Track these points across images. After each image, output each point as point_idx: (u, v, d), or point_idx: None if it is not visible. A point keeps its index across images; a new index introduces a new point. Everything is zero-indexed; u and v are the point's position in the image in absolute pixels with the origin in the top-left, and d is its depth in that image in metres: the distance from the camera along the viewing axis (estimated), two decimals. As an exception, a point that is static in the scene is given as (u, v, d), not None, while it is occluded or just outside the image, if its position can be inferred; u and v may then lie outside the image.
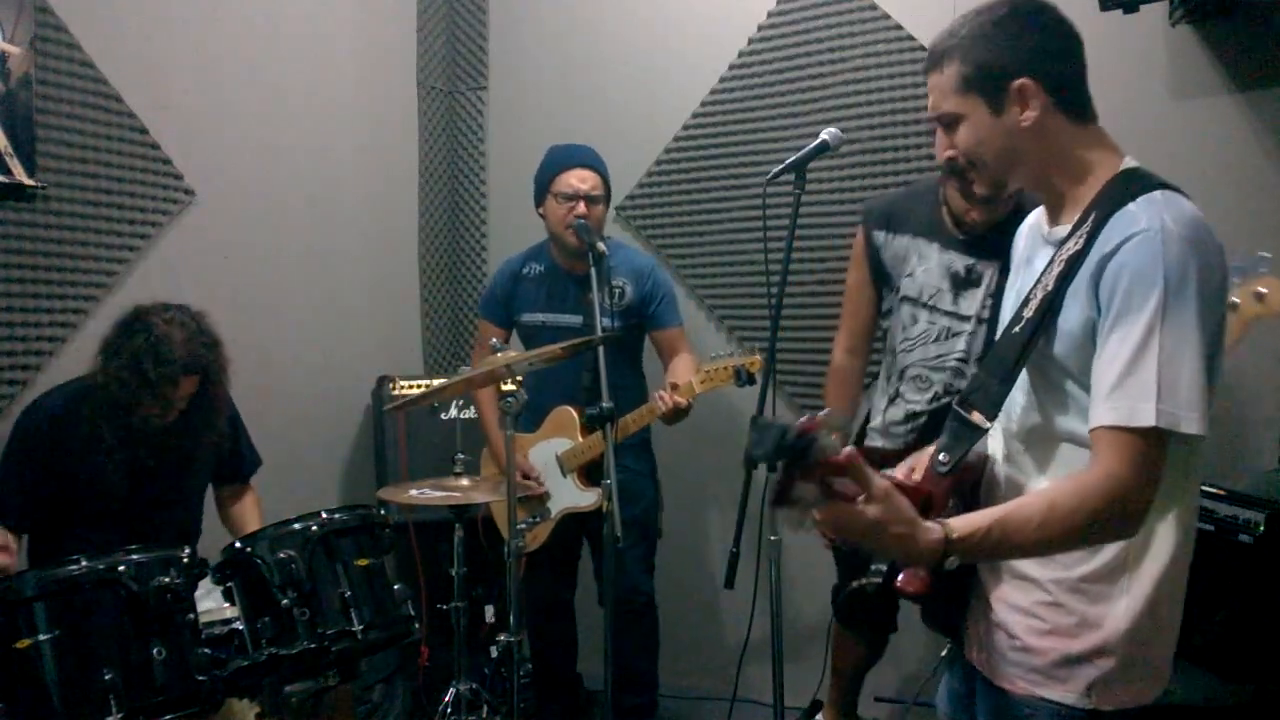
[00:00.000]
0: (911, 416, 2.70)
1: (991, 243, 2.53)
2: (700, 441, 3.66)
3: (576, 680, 3.55)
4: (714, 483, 3.74)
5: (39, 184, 2.84)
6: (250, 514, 2.97)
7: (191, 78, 3.29)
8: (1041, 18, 1.49)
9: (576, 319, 3.20)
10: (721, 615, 3.76)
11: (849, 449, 1.31)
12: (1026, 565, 1.51)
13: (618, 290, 3.15)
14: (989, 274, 2.56)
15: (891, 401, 2.74)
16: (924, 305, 2.65)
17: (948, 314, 2.62)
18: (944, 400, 2.62)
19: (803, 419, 1.25)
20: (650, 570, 3.29)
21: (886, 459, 2.63)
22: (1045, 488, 1.47)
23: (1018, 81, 1.46)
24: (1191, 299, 1.34)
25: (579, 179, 3.15)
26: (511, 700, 2.64)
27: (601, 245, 2.93)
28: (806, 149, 2.50)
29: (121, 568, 2.08)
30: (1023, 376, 1.52)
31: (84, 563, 2.08)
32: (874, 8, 3.38)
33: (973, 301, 2.58)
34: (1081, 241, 1.43)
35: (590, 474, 3.16)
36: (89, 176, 2.99)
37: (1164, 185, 1.44)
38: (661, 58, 3.80)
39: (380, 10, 4.01)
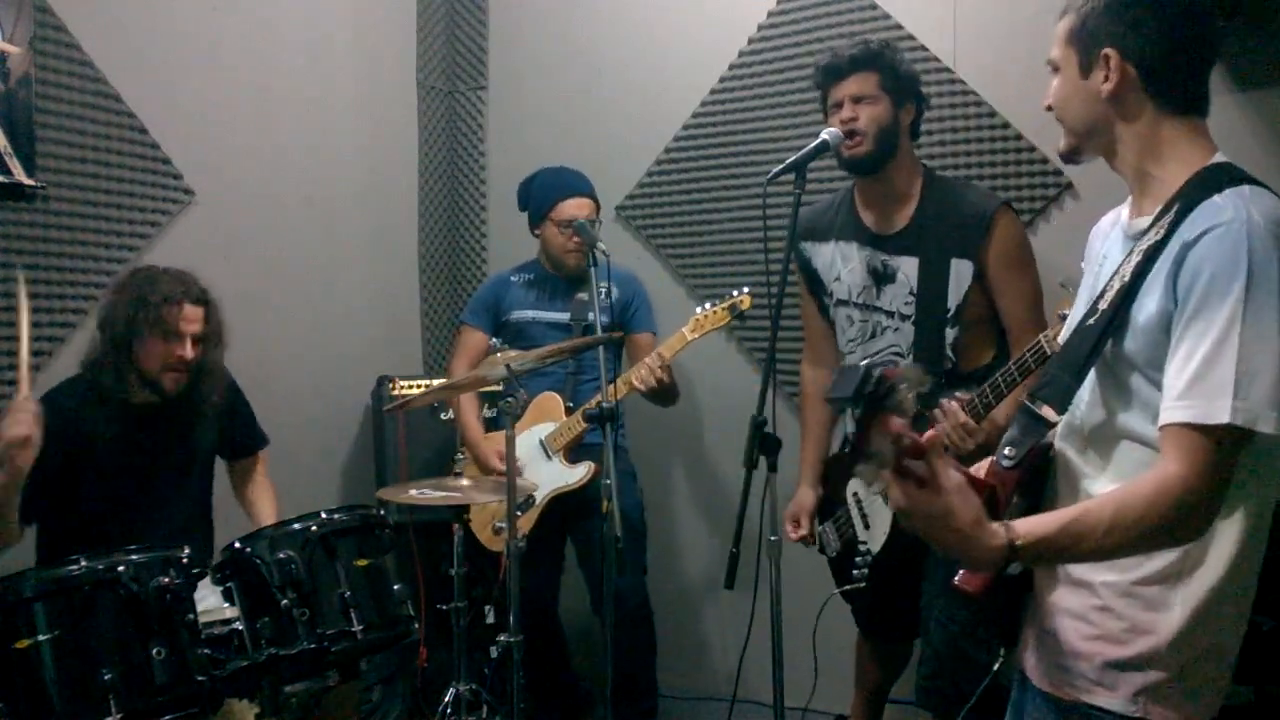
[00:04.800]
0: None
1: (906, 239, 2.62)
2: (700, 441, 3.66)
3: (573, 681, 3.54)
4: (713, 483, 3.74)
5: (39, 184, 2.84)
6: (262, 491, 3.00)
7: (191, 78, 3.29)
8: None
9: (564, 315, 3.31)
10: (721, 615, 3.75)
11: (930, 432, 1.28)
12: (1081, 568, 1.47)
13: (604, 289, 3.19)
14: (905, 270, 2.61)
15: None
16: (855, 304, 2.72)
17: (875, 309, 2.68)
18: None
19: (885, 366, 1.23)
20: (644, 570, 3.29)
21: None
22: (1111, 491, 1.40)
23: (1105, 50, 1.44)
24: (1274, 295, 1.29)
25: (577, 207, 3.27)
26: (512, 701, 2.63)
27: (602, 245, 2.97)
28: (806, 149, 2.50)
29: (121, 568, 2.08)
30: (1091, 372, 1.47)
31: (84, 563, 2.08)
32: (874, 7, 3.37)
33: (893, 297, 2.64)
34: (1162, 232, 1.38)
35: (575, 453, 3.18)
36: (89, 176, 2.99)
37: (1253, 181, 1.40)
38: (661, 58, 3.80)
39: (380, 10, 4.01)
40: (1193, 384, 1.30)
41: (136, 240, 3.13)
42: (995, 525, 1.31)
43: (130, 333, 2.56)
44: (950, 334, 2.58)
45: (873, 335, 2.68)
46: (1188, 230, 1.34)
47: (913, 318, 2.60)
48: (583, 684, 3.57)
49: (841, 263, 2.73)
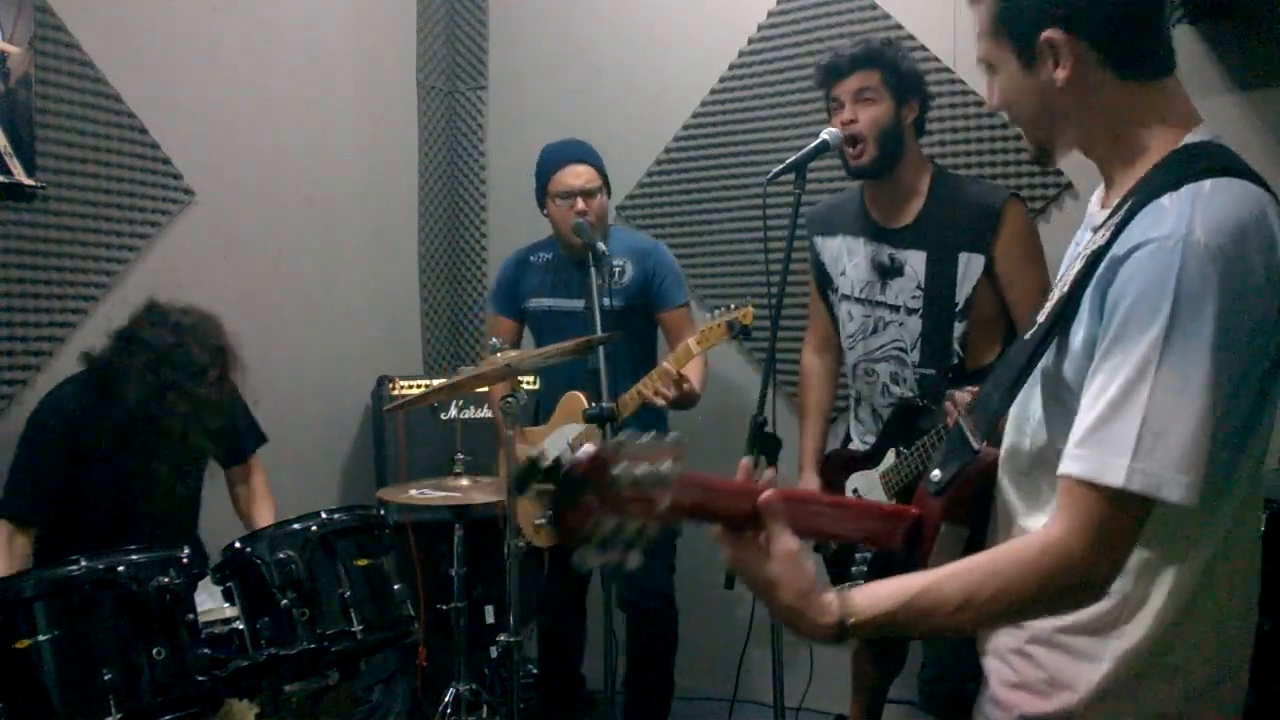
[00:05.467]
0: (873, 413, 2.73)
1: (914, 233, 2.60)
2: (700, 440, 3.65)
3: (580, 681, 3.54)
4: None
5: (39, 184, 2.84)
6: (259, 495, 2.96)
7: (191, 77, 3.29)
8: None
9: (579, 303, 3.17)
10: (721, 615, 3.75)
11: (768, 493, 1.14)
12: None
13: (618, 269, 3.11)
14: (913, 263, 2.59)
15: (857, 402, 2.79)
16: (858, 300, 2.70)
17: (878, 304, 2.66)
18: (895, 394, 2.65)
19: (588, 447, 1.08)
20: (671, 569, 3.25)
21: (855, 462, 2.67)
22: (975, 558, 1.18)
23: (1045, 33, 1.19)
24: (1205, 331, 1.06)
25: (573, 176, 3.13)
26: (512, 701, 2.64)
27: (601, 245, 2.92)
28: (806, 149, 2.51)
29: (121, 568, 2.08)
30: (1039, 389, 1.27)
31: (83, 563, 2.08)
32: (874, 7, 3.38)
33: (900, 291, 2.62)
34: (1107, 235, 1.16)
35: None
36: (89, 176, 2.99)
37: (1225, 170, 1.17)
38: (661, 58, 3.80)
39: (380, 10, 4.01)
40: (1094, 430, 1.11)
41: (136, 240, 3.13)
42: (828, 598, 1.14)
43: (159, 410, 2.54)
44: (958, 328, 2.58)
45: (874, 330, 2.68)
46: (1122, 243, 1.13)
47: (919, 311, 2.59)
48: (588, 685, 3.57)
49: (847, 257, 2.72)
